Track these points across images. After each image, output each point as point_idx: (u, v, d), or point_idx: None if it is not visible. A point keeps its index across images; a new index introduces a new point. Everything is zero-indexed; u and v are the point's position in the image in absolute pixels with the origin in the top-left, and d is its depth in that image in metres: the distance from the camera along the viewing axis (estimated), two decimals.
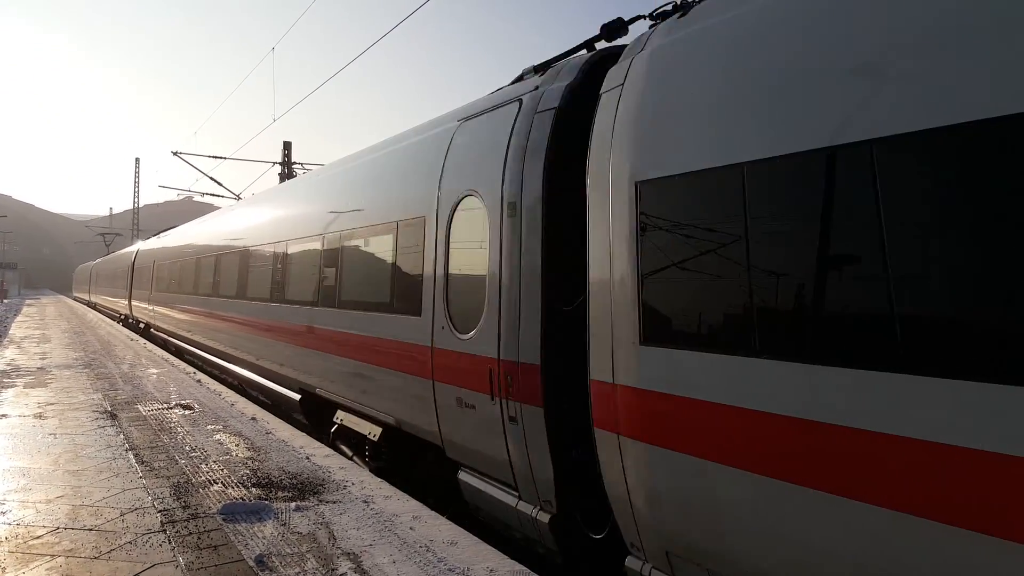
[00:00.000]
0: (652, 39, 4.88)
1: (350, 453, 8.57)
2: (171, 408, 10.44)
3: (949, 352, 2.91)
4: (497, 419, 5.75)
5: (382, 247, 8.15)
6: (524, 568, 4.65)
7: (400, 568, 4.58)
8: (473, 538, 5.21)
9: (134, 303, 28.95)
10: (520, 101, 6.18)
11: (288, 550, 4.88)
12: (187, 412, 10.15)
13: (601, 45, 6.12)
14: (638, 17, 5.57)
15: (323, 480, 6.68)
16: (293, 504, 5.87)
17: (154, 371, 15.03)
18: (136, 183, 64.36)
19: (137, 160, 65.25)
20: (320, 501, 6.01)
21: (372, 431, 8.11)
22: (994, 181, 2.86)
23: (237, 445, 8.11)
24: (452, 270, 6.61)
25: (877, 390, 3.14)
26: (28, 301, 59.87)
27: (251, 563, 4.63)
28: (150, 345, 21.73)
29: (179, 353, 19.93)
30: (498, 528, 6.21)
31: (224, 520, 5.47)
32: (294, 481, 6.61)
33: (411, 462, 7.73)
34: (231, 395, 12.02)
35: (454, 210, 6.71)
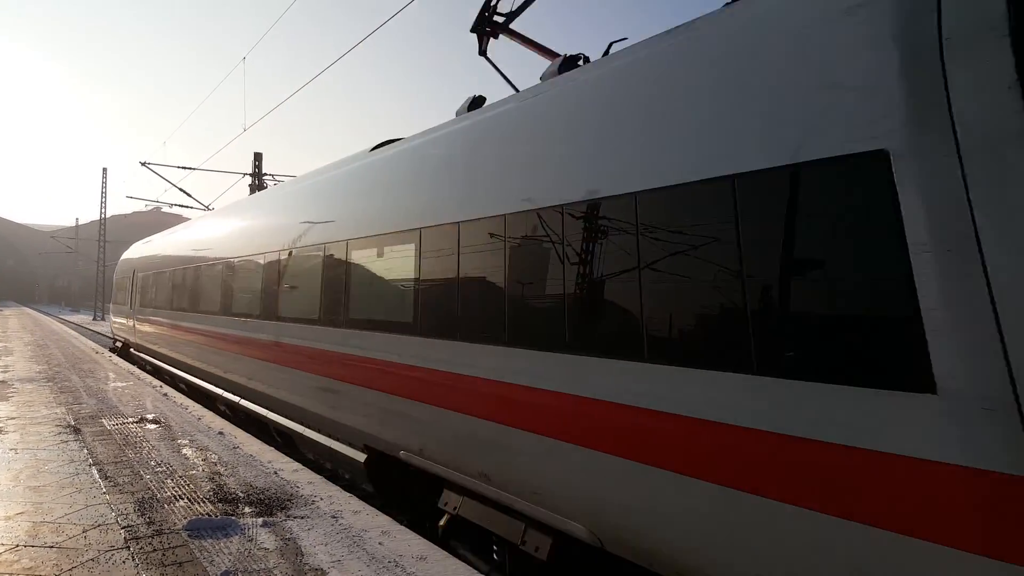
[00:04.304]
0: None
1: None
2: (136, 422, 10.27)
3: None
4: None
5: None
6: None
7: None
8: (443, 552, 5.20)
9: None
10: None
11: (255, 566, 4.83)
12: (153, 426, 10.00)
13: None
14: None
15: (291, 495, 6.62)
16: (260, 520, 5.82)
17: (119, 384, 14.78)
18: (103, 193, 63.23)
19: (104, 170, 64.05)
20: (288, 516, 5.96)
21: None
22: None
23: (204, 460, 8.00)
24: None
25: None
26: None
27: None
28: (115, 358, 21.35)
29: None
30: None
31: (190, 536, 5.40)
32: (262, 496, 6.54)
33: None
34: (198, 409, 11.86)
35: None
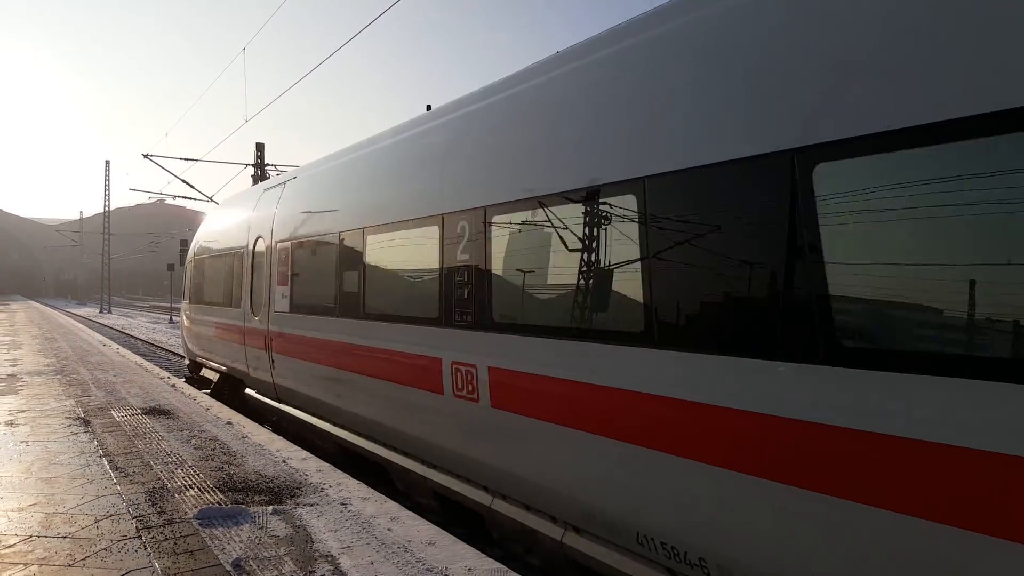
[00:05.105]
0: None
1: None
2: (145, 413, 10.34)
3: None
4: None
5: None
6: (502, 567, 4.70)
7: (378, 569, 4.61)
8: (451, 538, 5.24)
9: None
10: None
11: (265, 553, 4.88)
12: (162, 417, 10.07)
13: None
14: None
15: (300, 483, 6.67)
16: (270, 508, 5.87)
17: (128, 377, 14.86)
18: (106, 186, 63.26)
19: (107, 163, 63.96)
20: (297, 504, 6.01)
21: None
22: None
23: (213, 449, 8.06)
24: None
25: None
26: None
27: (228, 567, 4.63)
28: (123, 350, 21.45)
29: None
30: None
31: (200, 525, 5.45)
32: (271, 485, 6.60)
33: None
34: (206, 400, 11.93)
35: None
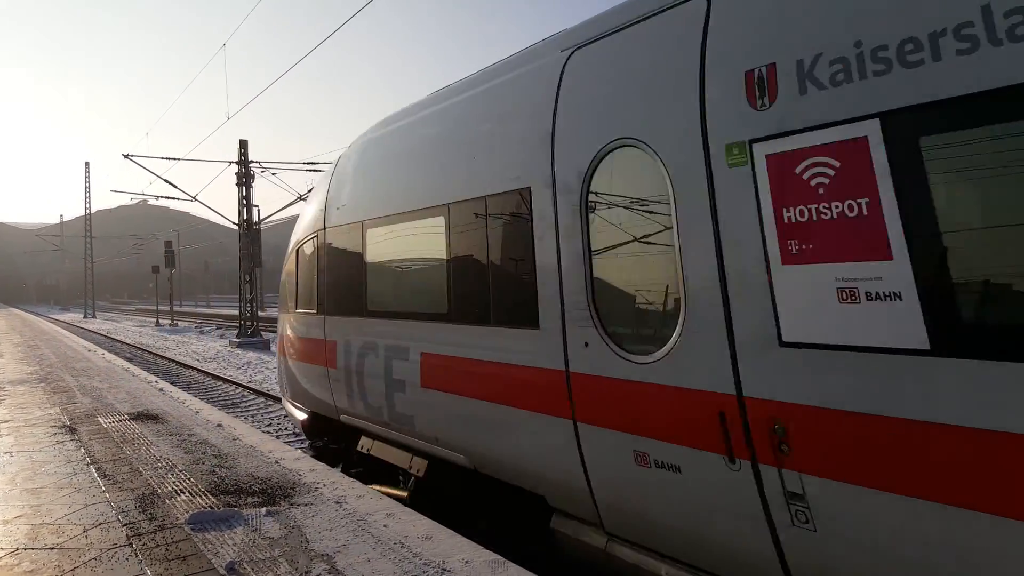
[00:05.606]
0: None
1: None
2: (133, 419, 10.19)
3: None
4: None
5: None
6: (499, 557, 4.64)
7: (375, 566, 4.54)
8: (448, 531, 5.18)
9: None
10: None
11: (260, 556, 4.79)
12: (150, 422, 9.93)
13: None
14: None
15: (294, 484, 6.58)
16: (263, 509, 5.78)
17: (114, 382, 14.68)
18: (87, 188, 62.48)
19: (87, 164, 63.15)
20: (291, 505, 5.92)
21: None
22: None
23: (204, 453, 7.94)
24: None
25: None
26: None
27: (222, 571, 4.54)
28: (109, 355, 21.21)
29: None
30: None
31: (192, 530, 5.35)
32: (264, 486, 6.50)
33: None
34: (195, 403, 11.79)
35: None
